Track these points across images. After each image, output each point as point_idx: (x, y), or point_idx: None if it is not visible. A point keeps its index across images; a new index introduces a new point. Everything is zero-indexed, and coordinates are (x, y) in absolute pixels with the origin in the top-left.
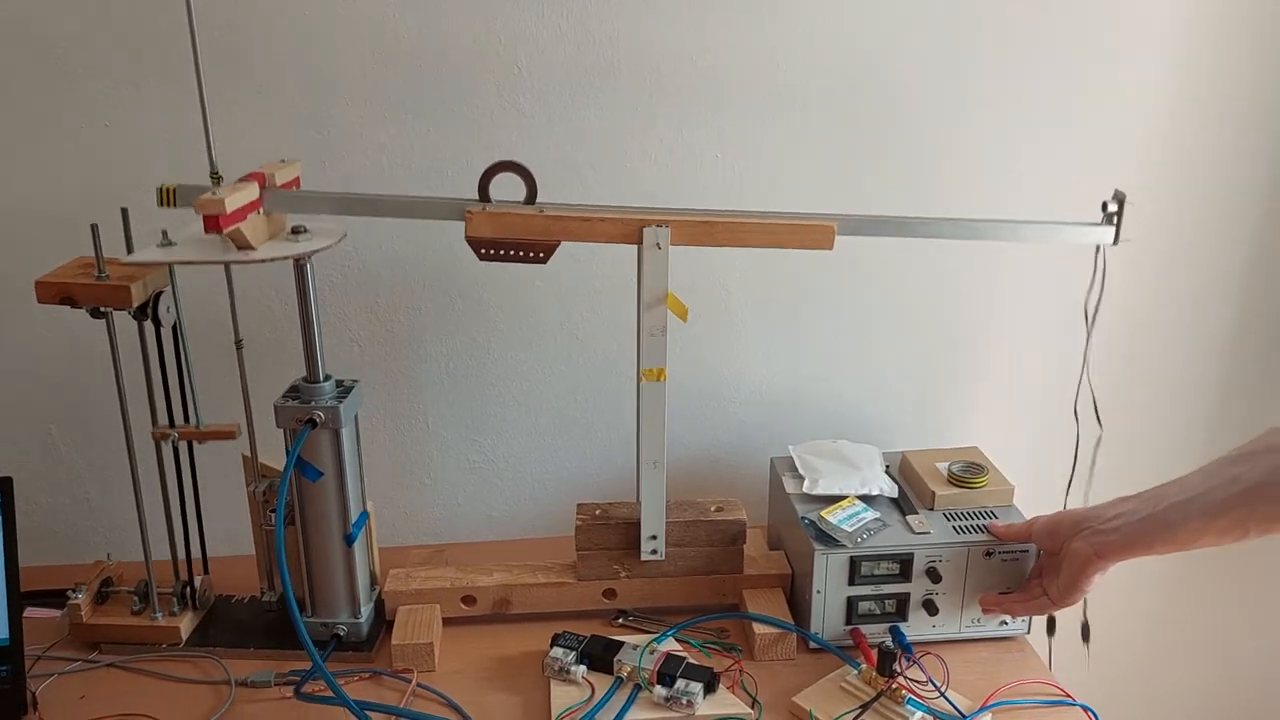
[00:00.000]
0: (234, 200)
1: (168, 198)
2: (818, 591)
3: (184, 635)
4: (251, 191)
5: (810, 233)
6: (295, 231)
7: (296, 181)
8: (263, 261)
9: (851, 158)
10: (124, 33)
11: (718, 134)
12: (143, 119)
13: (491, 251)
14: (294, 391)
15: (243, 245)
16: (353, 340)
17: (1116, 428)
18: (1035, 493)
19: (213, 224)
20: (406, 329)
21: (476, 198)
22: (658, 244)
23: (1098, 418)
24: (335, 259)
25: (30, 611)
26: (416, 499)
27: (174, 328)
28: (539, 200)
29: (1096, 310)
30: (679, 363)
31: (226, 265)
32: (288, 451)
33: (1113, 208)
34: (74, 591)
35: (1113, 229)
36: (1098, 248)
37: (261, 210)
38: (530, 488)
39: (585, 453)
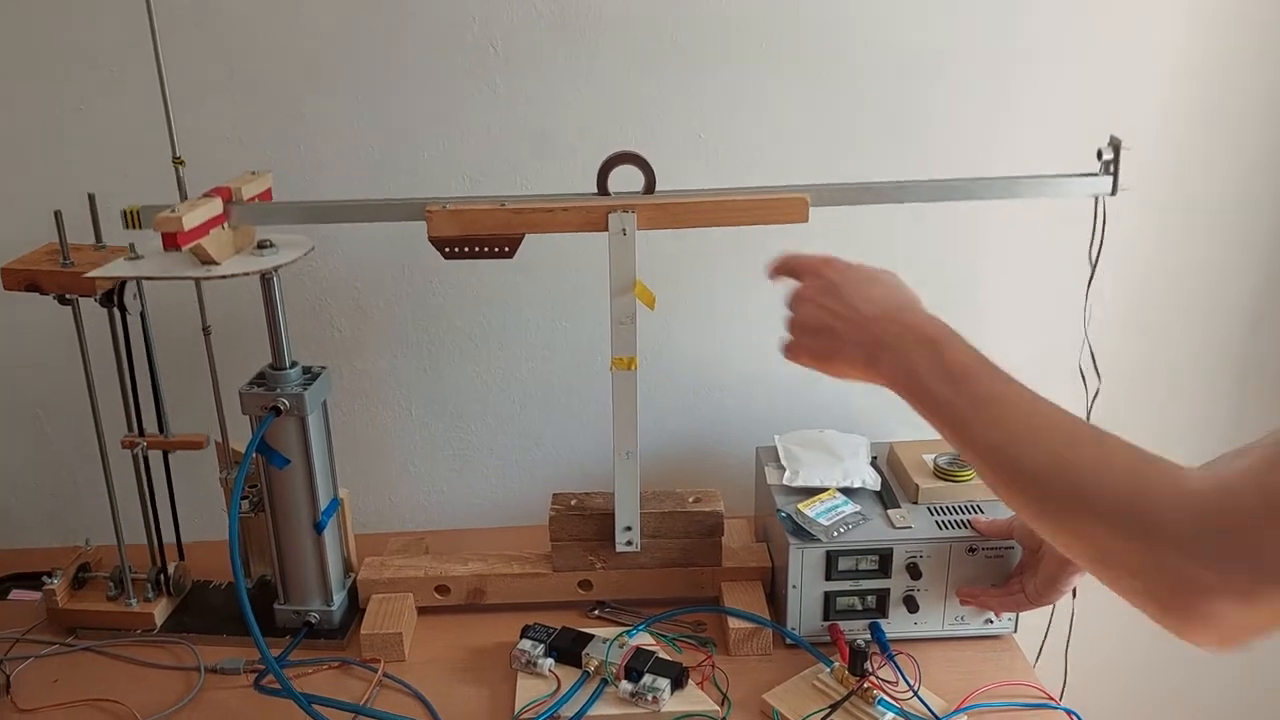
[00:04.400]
0: (193, 217)
1: (132, 220)
2: (793, 586)
3: (158, 621)
4: (214, 207)
5: (782, 206)
6: (261, 246)
7: (268, 194)
8: (226, 277)
9: (850, 129)
10: (96, 12)
11: (698, 110)
12: (115, 103)
13: (456, 250)
14: (260, 378)
15: (206, 260)
16: (333, 326)
17: (1117, 389)
18: None
19: (170, 241)
20: (388, 316)
21: (430, 197)
22: (623, 230)
23: (1096, 372)
24: (316, 246)
25: (15, 594)
26: (399, 486)
27: (141, 316)
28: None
29: (1095, 263)
30: (666, 350)
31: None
32: (250, 439)
33: (1108, 155)
34: (49, 577)
35: (1110, 178)
36: (1096, 199)
37: (227, 224)
38: (514, 476)
39: (569, 441)
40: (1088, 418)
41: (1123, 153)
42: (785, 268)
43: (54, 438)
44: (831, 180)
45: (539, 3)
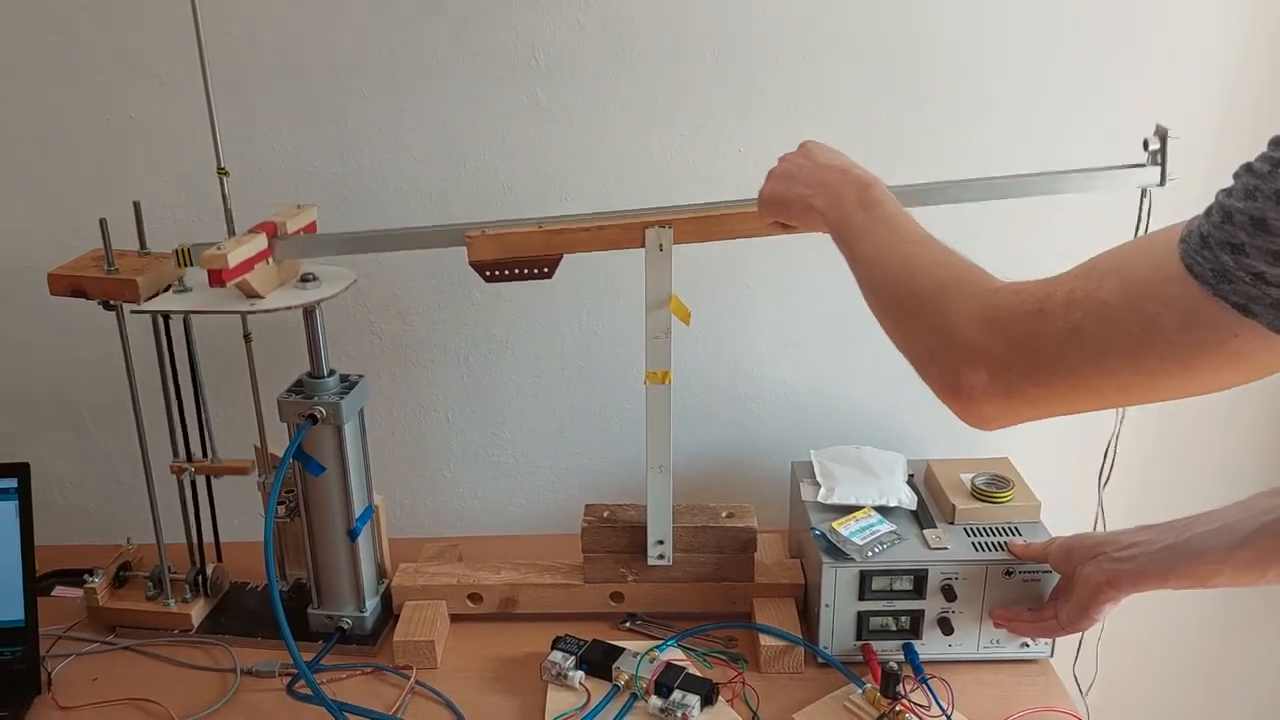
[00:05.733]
0: (238, 254)
1: (184, 258)
2: (826, 605)
3: (195, 622)
4: (259, 243)
5: None
6: (305, 279)
7: (312, 226)
8: (269, 311)
9: (893, 133)
10: (142, 22)
11: (739, 121)
12: (163, 111)
13: (497, 273)
14: (298, 386)
15: (251, 294)
16: (373, 332)
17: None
18: (1073, 503)
19: (216, 279)
20: (427, 322)
21: (468, 223)
22: (660, 245)
23: None
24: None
25: (58, 590)
26: (435, 491)
27: (185, 325)
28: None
29: None
30: (702, 360)
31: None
32: (287, 446)
33: (1155, 145)
34: (91, 575)
35: (1158, 169)
36: (1143, 191)
37: (272, 259)
38: (548, 483)
39: (603, 450)
40: (1116, 434)
41: (1170, 142)
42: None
43: (99, 437)
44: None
45: (580, 15)
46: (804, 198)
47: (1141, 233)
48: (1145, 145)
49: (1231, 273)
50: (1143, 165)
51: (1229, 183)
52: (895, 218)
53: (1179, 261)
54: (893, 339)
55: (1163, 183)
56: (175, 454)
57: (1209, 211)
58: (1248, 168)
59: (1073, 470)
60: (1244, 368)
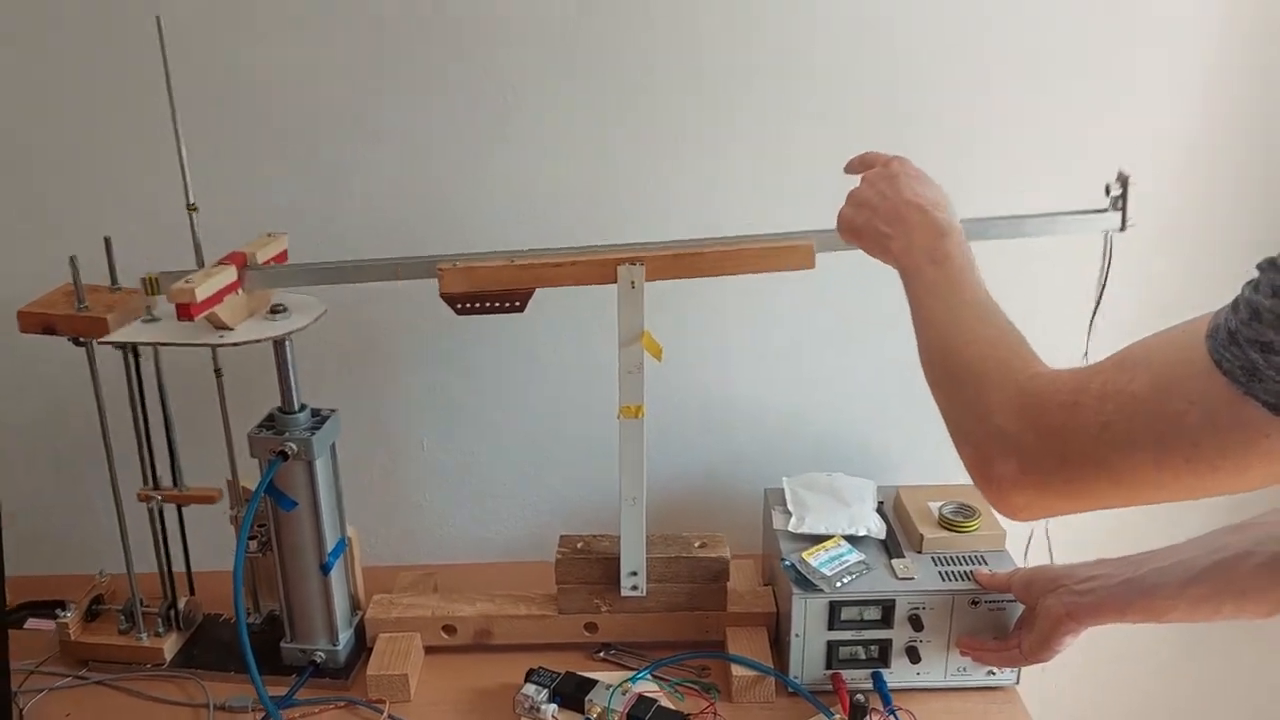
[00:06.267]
0: (206, 288)
1: (151, 287)
2: (796, 635)
3: (168, 656)
4: (228, 275)
5: (788, 254)
6: (275, 310)
7: (283, 255)
8: (238, 344)
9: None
10: (117, 57)
11: (711, 156)
12: (135, 145)
13: (467, 306)
14: (270, 420)
15: (220, 326)
16: (347, 361)
17: None
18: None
19: (184, 312)
20: (402, 351)
21: (440, 255)
22: (632, 282)
23: None
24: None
25: (31, 623)
26: (410, 519)
27: (155, 360)
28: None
29: (1100, 295)
30: (677, 387)
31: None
32: (258, 483)
33: (1116, 190)
34: (63, 609)
35: (1119, 214)
36: (1106, 235)
37: (242, 290)
38: (524, 511)
39: (580, 477)
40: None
41: (1130, 188)
42: (862, 164)
43: (71, 466)
44: None
45: (554, 51)
46: (881, 236)
47: (1106, 275)
48: (1107, 191)
49: (1261, 371)
50: (1105, 210)
51: (1237, 265)
52: (960, 274)
53: (1207, 356)
54: (937, 405)
55: (1124, 228)
56: (144, 480)
57: (1235, 306)
58: (1271, 262)
59: None
60: (1276, 468)
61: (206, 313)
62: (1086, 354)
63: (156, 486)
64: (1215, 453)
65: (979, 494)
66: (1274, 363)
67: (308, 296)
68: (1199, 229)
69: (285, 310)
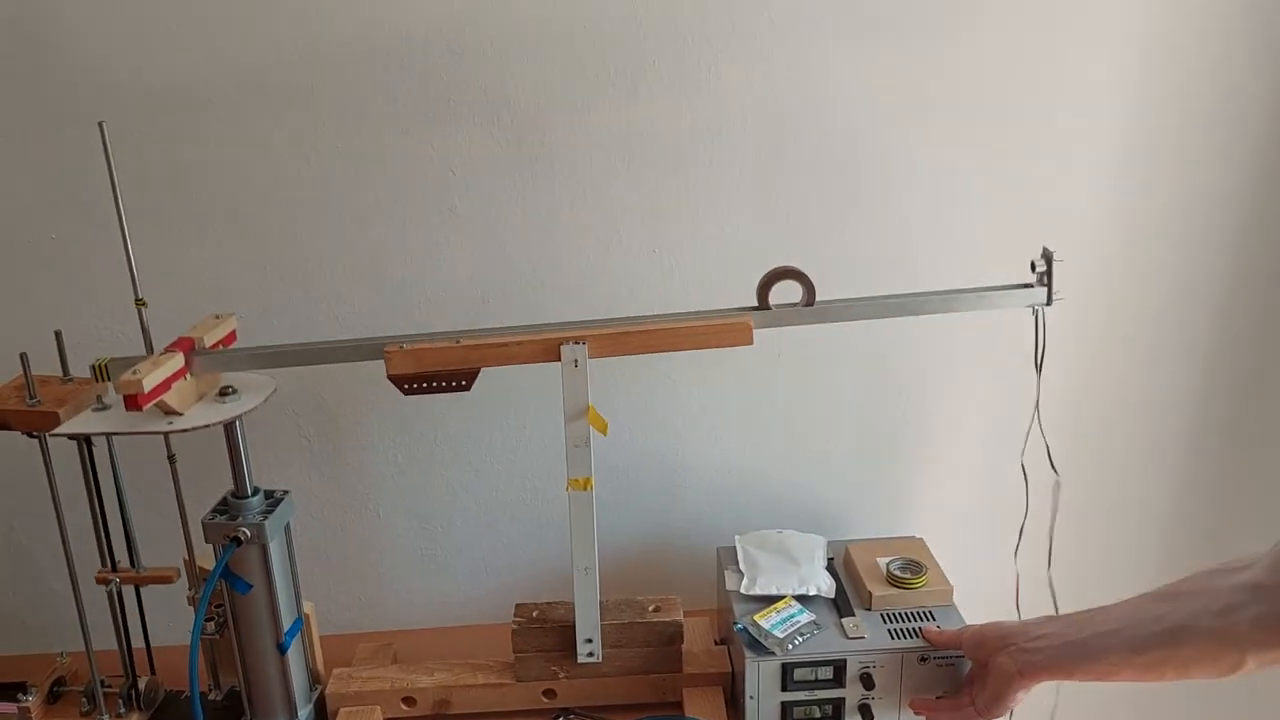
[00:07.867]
0: (154, 378)
1: (100, 374)
2: (750, 697)
3: None
4: (175, 363)
5: (727, 331)
6: (224, 393)
7: (231, 335)
8: (187, 430)
9: (796, 247)
10: (62, 144)
11: (653, 227)
12: (84, 233)
13: (415, 385)
14: (223, 505)
15: (169, 412)
16: (301, 433)
17: (1073, 483)
18: (994, 571)
19: (132, 403)
20: (355, 421)
21: (389, 337)
22: (575, 361)
23: (1053, 467)
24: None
25: None
26: (367, 586)
27: (108, 447)
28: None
29: (1040, 369)
30: (627, 451)
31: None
32: (213, 568)
33: (1041, 267)
34: (24, 694)
35: (1045, 289)
36: (1034, 309)
37: (190, 375)
38: (481, 575)
39: (537, 540)
40: (1053, 514)
41: (1055, 264)
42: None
43: (29, 548)
44: (780, 300)
45: (495, 128)
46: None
47: (1042, 349)
48: (1033, 267)
49: None
50: (1031, 285)
51: (1119, 301)
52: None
53: None
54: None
55: (1049, 302)
56: (102, 562)
57: None
58: None
59: (995, 530)
60: None
61: (154, 402)
62: (1035, 420)
63: (114, 568)
64: None
65: (925, 548)
66: None
67: (258, 375)
68: (1123, 298)
69: (234, 392)
